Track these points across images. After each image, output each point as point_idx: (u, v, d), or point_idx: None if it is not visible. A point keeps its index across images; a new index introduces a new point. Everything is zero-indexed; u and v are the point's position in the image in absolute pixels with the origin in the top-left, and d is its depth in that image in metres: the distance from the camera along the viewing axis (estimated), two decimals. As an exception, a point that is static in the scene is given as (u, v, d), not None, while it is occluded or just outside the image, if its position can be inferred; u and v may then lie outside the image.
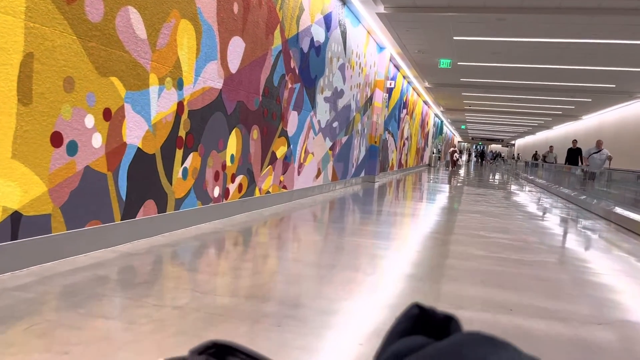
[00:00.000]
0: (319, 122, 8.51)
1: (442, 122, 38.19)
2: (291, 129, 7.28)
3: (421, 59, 13.77)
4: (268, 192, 6.66)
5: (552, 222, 8.34)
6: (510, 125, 37.59)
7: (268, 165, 6.59)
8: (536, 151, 44.44)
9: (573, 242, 6.46)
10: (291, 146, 7.34)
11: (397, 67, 15.68)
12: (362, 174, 12.44)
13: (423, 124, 26.18)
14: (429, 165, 30.59)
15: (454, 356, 0.29)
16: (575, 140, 15.50)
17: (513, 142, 66.63)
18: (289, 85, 7.01)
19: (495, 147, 76.23)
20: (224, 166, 5.41)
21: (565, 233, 7.23)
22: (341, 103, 9.75)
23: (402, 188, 13.32)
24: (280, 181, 7.07)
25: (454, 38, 11.19)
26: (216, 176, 5.27)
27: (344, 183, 10.61)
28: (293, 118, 7.31)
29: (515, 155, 58.43)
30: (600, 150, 12.83)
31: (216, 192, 5.30)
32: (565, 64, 12.76)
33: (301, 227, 5.62)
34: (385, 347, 0.32)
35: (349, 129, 10.59)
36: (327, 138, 9.11)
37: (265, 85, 6.25)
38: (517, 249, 5.24)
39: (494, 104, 22.94)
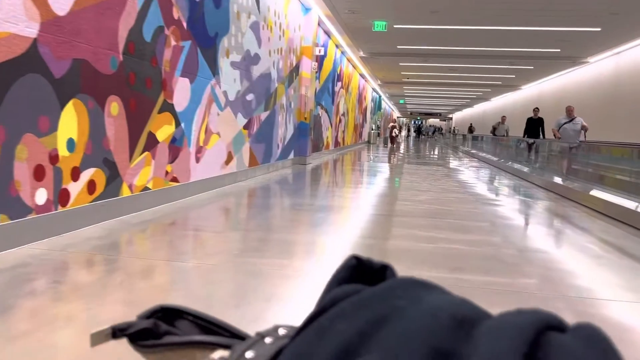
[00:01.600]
0: (225, 93, 6.74)
1: (380, 97, 37.03)
2: (181, 102, 5.49)
3: (353, 21, 12.14)
4: (146, 188, 4.87)
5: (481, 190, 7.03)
6: (448, 98, 36.97)
7: (143, 152, 4.79)
8: (471, 124, 44.38)
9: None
10: (182, 125, 5.55)
11: (327, 34, 14.00)
12: (291, 156, 10.78)
13: (360, 99, 24.76)
14: (369, 142, 29.34)
15: (387, 297, 0.30)
16: (536, 108, 13.20)
17: (451, 115, 66.97)
18: (172, 43, 5.19)
19: (433, 121, 76.58)
20: (54, 157, 3.58)
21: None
22: (257, 71, 7.99)
23: (338, 170, 11.77)
24: (167, 172, 5.29)
25: (389, -6, 9.63)
26: (38, 173, 3.45)
27: (267, 168, 8.91)
28: (182, 87, 5.51)
29: (452, 129, 58.62)
30: (572, 119, 10.39)
31: (41, 197, 3.48)
32: (510, 24, 11.51)
33: (184, 240, 3.91)
34: (325, 295, 0.33)
35: (270, 102, 8.86)
36: (240, 114, 7.35)
37: (129, 39, 4.42)
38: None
39: (433, 74, 21.80)
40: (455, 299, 0.30)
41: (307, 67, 11.17)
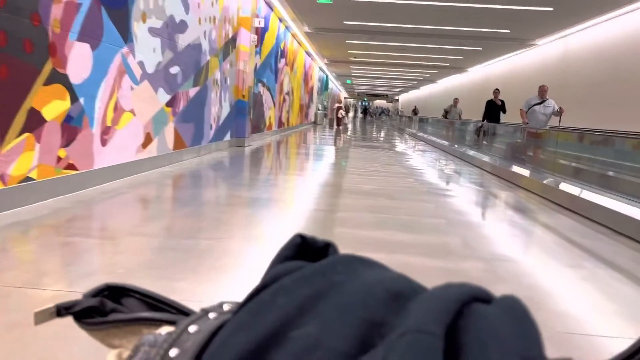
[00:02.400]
0: (141, 64, 5.74)
1: (327, 77, 36.21)
2: (78, 73, 4.48)
3: (297, -8, 11.20)
4: (28, 179, 3.89)
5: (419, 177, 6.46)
6: (395, 79, 36.64)
7: (22, 134, 3.80)
8: (415, 106, 44.40)
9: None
10: (81, 100, 4.56)
11: (269, 6, 13.00)
12: (228, 137, 9.84)
13: (306, 77, 23.86)
14: (315, 123, 28.56)
15: (327, 273, 0.31)
16: (497, 90, 11.74)
17: (397, 97, 67.11)
18: (64, -3, 4.18)
19: (380, 103, 76.66)
20: None
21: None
22: (183, 40, 6.99)
23: (279, 153, 10.94)
24: (60, 158, 4.30)
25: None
26: None
27: (198, 151, 7.96)
28: (80, 54, 4.50)
29: (399, 111, 58.76)
30: (544, 101, 8.92)
31: None
32: (460, 0, 10.93)
33: (56, 252, 2.99)
34: (267, 272, 0.34)
35: (201, 77, 7.88)
36: (161, 89, 6.37)
37: (-6, -15, 3.40)
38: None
39: (380, 54, 21.17)
40: (393, 275, 0.32)
41: (246, 39, 10.19)
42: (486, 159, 9.81)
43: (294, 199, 5.38)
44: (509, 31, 13.70)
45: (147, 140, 6.05)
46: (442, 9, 11.68)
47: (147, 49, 5.85)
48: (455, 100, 16.04)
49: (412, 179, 7.35)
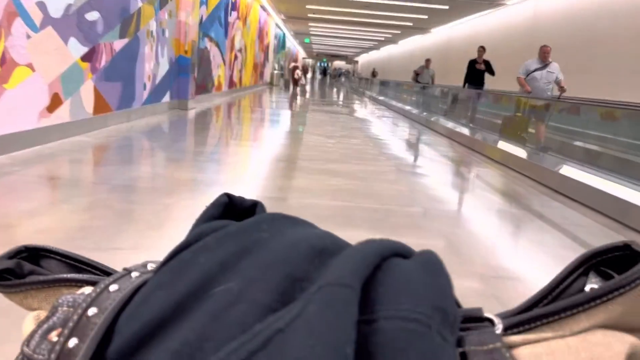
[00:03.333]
0: (42, 6, 4.51)
1: (284, 35, 34.57)
2: None
3: None
4: None
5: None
6: (356, 39, 35.41)
7: None
8: (374, 69, 43.48)
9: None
10: (-59, 48, 3.36)
11: (219, -50, 11.57)
12: (166, 99, 8.63)
13: (261, 34, 22.37)
14: (271, 84, 27.20)
15: (252, 230, 0.31)
16: (481, 48, 9.77)
17: (357, 59, 65.81)
18: None
19: (339, 64, 75.21)
20: None
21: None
22: (104, -20, 5.72)
23: (227, 118, 9.80)
24: None
25: None
26: None
27: (128, 115, 6.78)
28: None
29: (354, 73, 57.76)
30: (546, 65, 7.13)
31: None
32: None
33: None
34: (191, 231, 0.33)
35: (130, 27, 6.63)
36: (74, 39, 5.14)
37: None
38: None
39: (341, 10, 19.92)
40: (319, 233, 0.32)
41: (189, -14, 8.87)
42: (465, 131, 8.57)
43: (236, 181, 4.37)
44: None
45: (55, 103, 4.87)
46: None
47: (49, -14, 4.61)
48: (427, 61, 13.99)
49: (377, 152, 6.46)
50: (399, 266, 0.28)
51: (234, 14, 14.74)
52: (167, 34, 8.27)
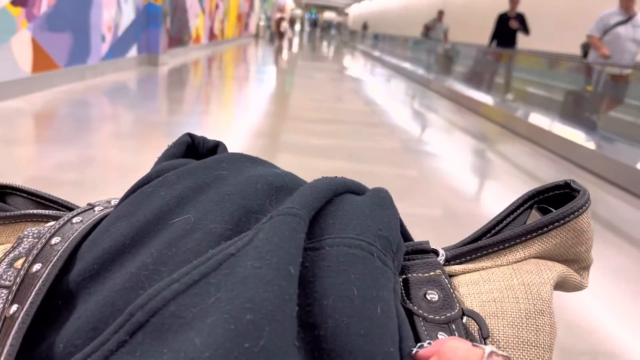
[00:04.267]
0: None
1: (272, -17, 32.69)
2: None
3: None
4: None
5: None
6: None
7: None
8: (365, 22, 41.74)
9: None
10: None
11: None
12: (133, 53, 7.54)
13: (247, -18, 20.83)
14: (257, 36, 25.71)
15: (211, 168, 0.32)
16: None
17: (347, 11, 63.56)
18: None
19: (329, 15, 72.79)
20: None
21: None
22: None
23: (203, 76, 8.73)
24: None
25: None
26: None
27: (81, 73, 5.74)
28: None
29: (345, 27, 55.62)
30: (630, 18, 5.02)
31: None
32: None
33: None
34: (153, 168, 0.34)
35: (81, -34, 5.50)
36: (-2, -23, 4.07)
37: None
38: None
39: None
40: (279, 171, 0.32)
41: None
42: (499, 105, 6.59)
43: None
44: None
45: (-28, 59, 3.85)
46: None
47: None
48: (440, 14, 11.64)
49: (377, 121, 5.53)
50: (349, 200, 0.29)
51: (215, -43, 13.35)
52: (131, -24, 7.10)
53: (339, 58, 17.58)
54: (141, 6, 7.64)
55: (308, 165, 3.43)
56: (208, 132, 3.75)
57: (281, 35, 19.43)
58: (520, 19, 7.68)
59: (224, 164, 0.32)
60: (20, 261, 0.31)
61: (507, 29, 7.73)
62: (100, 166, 2.96)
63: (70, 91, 5.12)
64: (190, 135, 0.37)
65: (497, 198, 3.24)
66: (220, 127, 4.56)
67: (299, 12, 70.25)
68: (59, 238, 0.31)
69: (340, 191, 0.30)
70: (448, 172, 3.72)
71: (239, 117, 5.20)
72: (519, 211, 0.35)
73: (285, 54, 15.89)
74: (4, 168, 2.78)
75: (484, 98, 7.06)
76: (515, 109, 6.29)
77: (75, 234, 0.31)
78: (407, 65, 12.75)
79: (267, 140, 4.24)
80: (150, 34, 8.04)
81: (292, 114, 5.53)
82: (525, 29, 7.72)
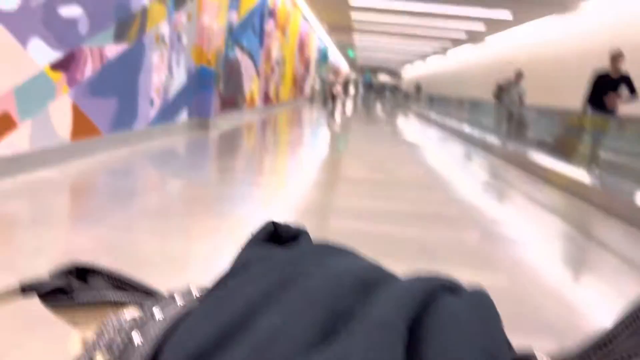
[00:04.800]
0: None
1: (327, 47, 33.40)
2: None
3: None
4: None
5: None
6: (402, 51, 33.86)
7: None
8: (418, 82, 41.75)
9: None
10: None
11: (253, -50, 10.34)
12: (183, 117, 7.33)
13: (302, 46, 21.16)
14: (312, 98, 25.94)
15: (297, 261, 0.31)
16: (617, 54, 6.31)
17: (401, 71, 64.25)
18: None
19: (383, 77, 73.85)
20: None
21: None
22: (90, -33, 4.44)
23: (254, 141, 8.41)
24: None
25: None
26: None
27: (127, 139, 5.48)
28: None
29: (401, 88, 55.73)
30: None
31: None
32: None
33: None
34: (237, 258, 0.33)
35: (131, 29, 5.34)
36: (39, 40, 3.85)
37: None
38: None
39: (387, 21, 18.44)
40: (364, 264, 0.31)
41: (213, -15, 7.60)
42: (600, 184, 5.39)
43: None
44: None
45: (6, 125, 3.57)
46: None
47: (-5, -33, 3.33)
48: (518, 75, 9.94)
49: (443, 198, 4.89)
50: (448, 307, 0.27)
51: (271, 22, 13.49)
52: (184, 40, 6.99)
53: (394, 120, 17.20)
54: (193, 69, 7.50)
55: (368, 232, 2.83)
56: (261, 206, 3.22)
57: (334, 98, 19.34)
58: (627, 81, 6.28)
59: (309, 256, 0.31)
60: (99, 357, 0.31)
61: (607, 89, 6.34)
62: (132, 256, 2.47)
63: (111, 159, 4.81)
64: (273, 222, 0.35)
65: (609, 303, 2.49)
66: (273, 198, 4.06)
67: (353, 75, 71.63)
68: (141, 337, 0.30)
69: (435, 292, 0.27)
70: (545, 275, 3.00)
71: (291, 185, 4.71)
72: (633, 327, 0.28)
73: (339, 117, 15.65)
74: (3, 256, 2.34)
75: (573, 171, 6.01)
76: (614, 186, 5.39)
77: (157, 335, 0.30)
78: (466, 128, 12.09)
79: (319, 207, 3.68)
80: (202, 97, 7.86)
81: (339, 189, 4.99)
82: (633, 90, 6.27)
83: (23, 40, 3.66)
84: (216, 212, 3.43)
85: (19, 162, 3.71)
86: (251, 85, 11.69)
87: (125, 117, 5.44)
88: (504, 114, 9.79)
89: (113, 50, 5.00)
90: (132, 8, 5.29)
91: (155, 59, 6.07)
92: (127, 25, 5.24)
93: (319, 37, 27.16)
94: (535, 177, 6.46)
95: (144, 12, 5.61)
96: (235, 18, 9.53)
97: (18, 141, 3.72)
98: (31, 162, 3.85)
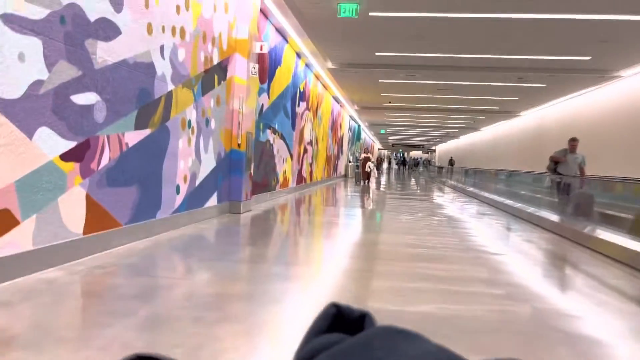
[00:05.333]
0: (-18, 80, 2.99)
1: (359, 126, 33.67)
2: None
3: (312, 7, 8.54)
4: None
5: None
6: (434, 127, 33.78)
7: None
8: (451, 157, 41.40)
9: None
10: None
11: (283, 36, 10.44)
12: (213, 202, 6.97)
13: (335, 126, 21.22)
14: (346, 176, 25.70)
15: (365, 348, 0.30)
16: None
17: (434, 148, 64.22)
18: None
19: (415, 153, 73.98)
20: None
21: None
22: (110, 53, 4.25)
23: (286, 223, 7.95)
24: None
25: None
26: None
27: (149, 229, 5.09)
28: None
29: (432, 162, 55.40)
30: None
31: None
32: (531, 10, 8.07)
33: None
34: (303, 347, 0.33)
35: (154, 115, 5.11)
36: (47, 129, 3.56)
37: None
38: None
39: (419, 96, 18.37)
40: (432, 348, 0.30)
41: (242, 69, 7.50)
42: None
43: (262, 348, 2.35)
44: (589, 58, 10.66)
45: (9, 223, 3.20)
46: (500, 25, 8.81)
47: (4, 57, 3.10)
48: (573, 143, 9.04)
49: (502, 294, 4.23)
50: None
51: (303, 104, 13.48)
52: (212, 124, 6.77)
53: (429, 194, 16.58)
54: (223, 153, 7.24)
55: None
56: (297, 300, 2.66)
57: (367, 175, 19.01)
58: None
59: (376, 342, 0.30)
60: None
61: None
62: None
63: (130, 252, 4.39)
64: (335, 305, 0.35)
65: None
66: (309, 290, 3.50)
67: (386, 152, 72.03)
68: None
69: None
70: None
71: (327, 274, 4.15)
72: None
73: (373, 193, 15.17)
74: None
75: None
76: None
77: None
78: (507, 200, 11.38)
79: (358, 290, 3.09)
80: (233, 181, 7.54)
81: (372, 281, 4.38)
82: None
83: (28, 130, 3.37)
84: (243, 318, 2.88)
85: (20, 262, 3.30)
86: (284, 167, 11.43)
87: (147, 206, 5.08)
88: (559, 186, 9.04)
89: (134, 137, 4.73)
90: (155, 93, 5.09)
91: (181, 144, 5.80)
92: (150, 111, 5.01)
93: (351, 117, 27.36)
94: (603, 256, 5.70)
95: (169, 97, 5.41)
96: (266, 101, 9.42)
97: (20, 240, 3.33)
98: (36, 262, 3.44)
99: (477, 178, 18.25)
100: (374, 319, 0.35)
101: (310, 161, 15.35)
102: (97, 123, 4.14)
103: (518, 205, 10.30)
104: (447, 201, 13.96)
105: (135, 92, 4.71)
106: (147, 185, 5.05)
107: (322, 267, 4.61)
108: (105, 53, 4.19)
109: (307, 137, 14.41)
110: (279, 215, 8.39)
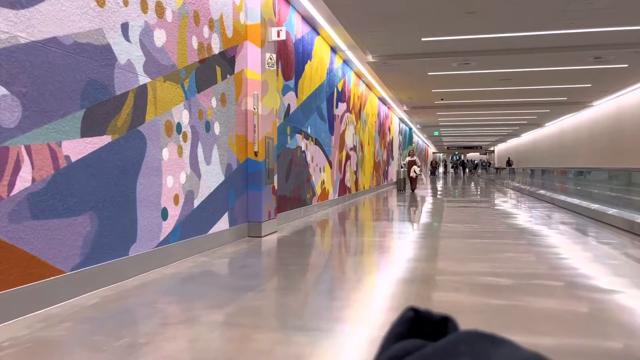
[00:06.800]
0: None
1: (410, 129, 31.80)
2: None
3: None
4: None
5: None
6: (491, 126, 31.48)
7: None
8: (509, 157, 39.07)
9: None
10: None
11: (312, 27, 9.04)
12: (222, 226, 5.59)
13: (383, 129, 19.61)
14: (397, 183, 23.92)
15: (451, 354, 0.29)
16: None
17: (492, 148, 61.27)
18: None
19: (472, 155, 70.97)
20: None
21: None
22: (30, 26, 2.94)
23: (324, 246, 6.42)
24: None
25: None
26: None
27: (118, 269, 3.74)
28: None
29: (490, 163, 52.40)
30: None
31: None
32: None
33: None
34: (382, 352, 0.32)
35: (118, 117, 3.76)
36: None
37: None
38: None
39: (474, 90, 16.49)
40: (524, 354, 0.28)
41: (256, 59, 6.13)
42: None
43: None
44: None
45: None
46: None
47: None
48: None
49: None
50: None
51: (342, 105, 12.00)
52: (216, 128, 5.40)
53: (490, 198, 14.62)
54: (235, 164, 5.86)
55: None
56: None
57: (413, 181, 17.23)
58: None
59: (463, 347, 0.28)
60: None
61: None
62: None
63: (78, 309, 3.04)
64: (413, 309, 0.33)
65: None
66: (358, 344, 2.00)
67: (441, 155, 69.39)
68: None
69: None
70: None
71: (378, 324, 2.63)
72: None
73: (422, 204, 13.42)
74: None
75: None
76: None
77: None
78: (591, 204, 9.37)
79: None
80: (250, 198, 6.15)
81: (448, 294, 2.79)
82: None
83: None
84: None
85: None
86: (322, 176, 9.96)
87: (112, 241, 3.73)
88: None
89: (81, 147, 3.40)
90: (116, 88, 3.75)
91: (167, 155, 4.44)
92: (109, 111, 3.67)
93: (400, 120, 25.64)
94: None
95: (142, 93, 4.07)
96: (293, 101, 8.01)
97: None
98: None
99: (542, 178, 16.09)
100: (457, 323, 0.33)
101: (355, 169, 13.83)
102: (3, 128, 2.82)
103: (612, 211, 8.33)
104: (507, 203, 12.02)
105: (80, 84, 3.38)
106: (109, 212, 3.70)
107: (370, 316, 3.07)
108: (11, 26, 2.87)
109: (349, 142, 12.91)
110: (312, 236, 6.89)
